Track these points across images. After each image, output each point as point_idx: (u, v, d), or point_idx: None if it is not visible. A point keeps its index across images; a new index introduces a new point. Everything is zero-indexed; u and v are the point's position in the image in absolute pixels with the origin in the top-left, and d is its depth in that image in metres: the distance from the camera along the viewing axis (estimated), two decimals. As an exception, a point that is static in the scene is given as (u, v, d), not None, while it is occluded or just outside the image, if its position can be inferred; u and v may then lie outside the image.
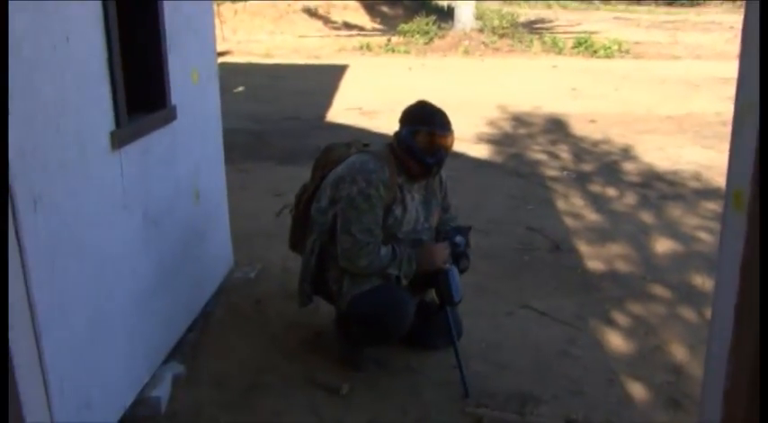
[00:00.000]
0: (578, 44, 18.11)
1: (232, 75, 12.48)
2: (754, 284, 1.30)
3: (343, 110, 10.42)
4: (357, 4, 25.62)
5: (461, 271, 3.54)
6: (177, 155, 3.62)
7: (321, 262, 3.41)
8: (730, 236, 1.42)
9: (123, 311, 2.98)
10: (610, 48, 17.73)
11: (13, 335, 2.12)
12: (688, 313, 4.27)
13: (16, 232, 2.19)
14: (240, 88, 11.57)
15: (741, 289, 1.36)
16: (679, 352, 3.82)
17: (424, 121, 3.34)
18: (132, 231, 3.08)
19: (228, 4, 22.38)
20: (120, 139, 2.92)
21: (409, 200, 3.41)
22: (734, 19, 24.78)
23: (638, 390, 3.46)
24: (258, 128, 9.07)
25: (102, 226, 2.80)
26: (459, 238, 3.52)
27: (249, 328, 3.91)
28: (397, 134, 3.41)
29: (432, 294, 3.64)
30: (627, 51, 17.72)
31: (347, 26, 23.14)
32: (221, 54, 11.91)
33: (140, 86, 3.30)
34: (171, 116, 3.53)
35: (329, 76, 13.55)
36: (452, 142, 3.42)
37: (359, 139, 3.69)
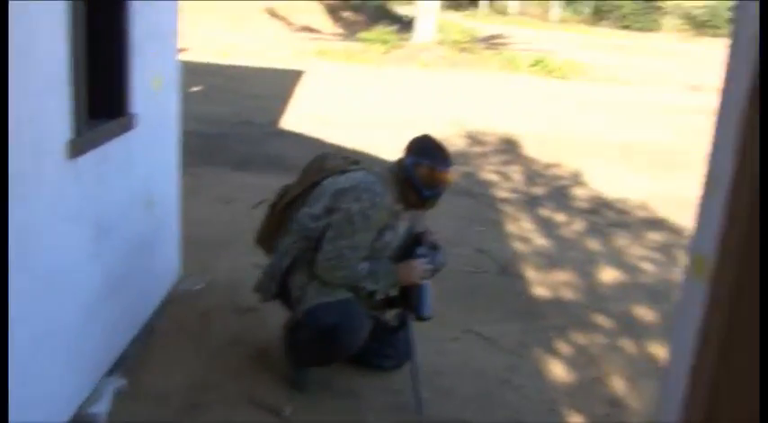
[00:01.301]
0: (535, 63, 18.35)
1: (188, 73, 12.32)
2: (710, 352, 1.34)
3: (299, 117, 10.39)
4: (319, 8, 25.59)
5: (433, 273, 3.58)
6: (133, 163, 3.59)
7: (291, 265, 3.41)
8: (689, 300, 1.45)
9: (67, 323, 2.94)
10: (566, 68, 18.01)
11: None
12: (628, 345, 4.36)
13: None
14: (195, 88, 11.46)
15: (697, 355, 1.39)
16: (618, 384, 3.90)
17: (428, 156, 3.43)
18: (82, 242, 3.04)
19: (189, -1, 22.17)
20: (77, 148, 2.88)
21: (400, 226, 3.48)
22: (685, 48, 25.35)
23: (576, 421, 3.52)
24: (212, 131, 9.00)
25: (52, 236, 2.76)
26: (437, 258, 3.58)
27: (194, 342, 3.87)
28: (399, 162, 3.48)
29: (389, 313, 3.68)
30: (582, 73, 18.00)
31: (307, 29, 23.08)
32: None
33: (101, 93, 3.26)
34: (129, 124, 3.49)
35: (286, 81, 13.50)
36: (452, 179, 3.52)
37: (347, 153, 3.74)
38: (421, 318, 3.50)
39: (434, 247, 3.61)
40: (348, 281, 3.30)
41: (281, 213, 3.60)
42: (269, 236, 3.65)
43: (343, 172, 3.50)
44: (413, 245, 3.57)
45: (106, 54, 3.34)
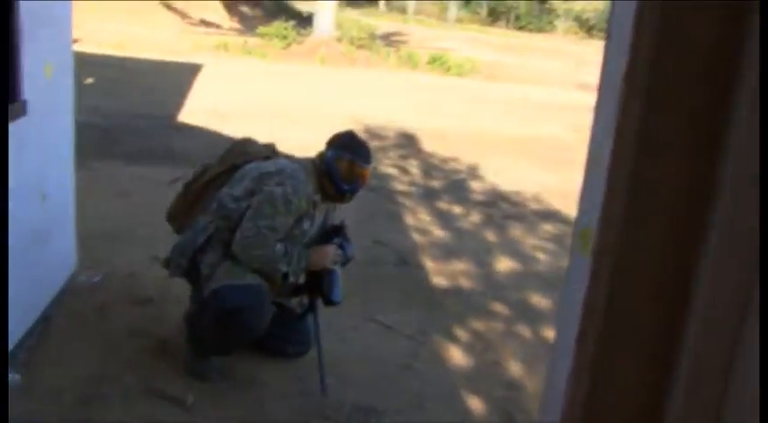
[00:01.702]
0: (433, 60, 18.61)
1: (81, 65, 11.97)
2: (595, 320, 1.41)
3: (196, 111, 10.24)
4: (216, 3, 25.26)
5: (344, 264, 3.65)
6: (25, 152, 3.47)
7: (204, 243, 3.38)
8: (575, 273, 1.52)
9: (-44, 315, 2.83)
10: (463, 66, 18.33)
11: None
12: (524, 330, 4.50)
13: None
14: (90, 80, 11.14)
15: (582, 324, 1.46)
16: (515, 368, 4.02)
17: (350, 150, 3.52)
18: (-29, 232, 2.94)
19: (79, -10, 21.51)
20: (-37, 134, 2.78)
21: (317, 217, 3.54)
22: (578, 49, 26.14)
23: (476, 404, 3.61)
24: (107, 123, 8.78)
25: (-61, 225, 2.66)
26: (349, 249, 3.65)
27: (90, 335, 3.78)
28: (321, 155, 3.55)
29: (294, 301, 3.71)
30: (479, 71, 18.36)
31: (205, 23, 22.76)
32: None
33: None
34: (21, 111, 3.38)
35: (183, 75, 13.28)
36: (368, 177, 3.66)
37: (269, 144, 3.76)
38: (331, 302, 3.55)
39: (347, 239, 3.67)
40: (264, 260, 3.30)
41: (198, 192, 3.61)
42: (182, 213, 3.65)
43: (266, 158, 3.57)
44: (328, 235, 3.64)
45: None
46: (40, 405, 3.15)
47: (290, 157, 3.62)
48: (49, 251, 3.91)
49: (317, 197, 3.50)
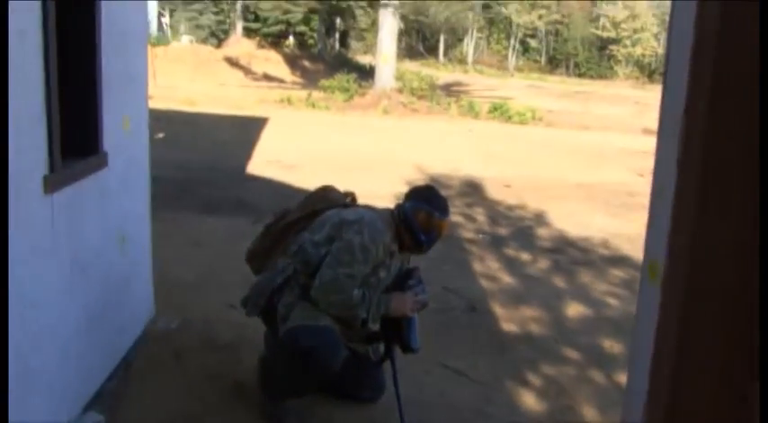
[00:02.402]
0: (494, 109, 18.67)
1: (153, 120, 12.37)
2: (668, 351, 1.41)
3: (264, 162, 10.46)
4: (278, 57, 25.85)
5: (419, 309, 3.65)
6: (107, 201, 3.61)
7: (282, 284, 3.46)
8: (646, 305, 1.53)
9: (44, 358, 2.94)
10: (524, 114, 18.35)
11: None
12: (597, 376, 4.43)
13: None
14: (161, 135, 11.49)
15: (655, 355, 1.46)
16: (589, 413, 3.96)
17: (428, 202, 3.59)
18: (59, 277, 3.05)
19: (150, 47, 22.26)
20: (52, 184, 2.92)
21: (393, 267, 3.58)
22: (638, 94, 25.96)
23: (550, 449, 3.57)
24: (179, 176, 9.02)
25: (30, 270, 2.77)
26: (423, 294, 3.63)
27: (169, 379, 3.86)
28: (399, 206, 3.63)
29: (367, 348, 3.72)
30: (540, 119, 18.36)
31: (268, 78, 23.28)
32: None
33: (73, 131, 3.30)
34: (103, 162, 3.53)
35: (250, 128, 13.59)
36: (448, 228, 3.73)
37: (348, 193, 3.86)
38: (410, 349, 3.58)
39: (421, 282, 3.69)
40: (343, 306, 3.35)
41: (278, 234, 3.70)
42: (261, 254, 3.74)
43: (345, 206, 3.68)
44: (402, 278, 3.66)
45: (78, 92, 3.39)
46: (123, 446, 3.23)
47: (370, 207, 3.69)
48: (129, 298, 4.03)
49: (395, 247, 3.56)
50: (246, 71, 24.11)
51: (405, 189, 9.83)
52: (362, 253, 3.36)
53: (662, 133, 1.51)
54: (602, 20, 41.37)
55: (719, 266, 1.34)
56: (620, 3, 40.78)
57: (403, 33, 38.29)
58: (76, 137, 3.35)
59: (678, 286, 1.39)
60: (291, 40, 38.88)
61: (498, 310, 5.45)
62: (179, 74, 21.85)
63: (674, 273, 1.41)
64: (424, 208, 3.54)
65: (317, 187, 3.90)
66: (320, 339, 3.32)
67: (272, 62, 25.82)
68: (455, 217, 8.34)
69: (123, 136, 3.91)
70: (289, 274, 3.46)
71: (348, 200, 3.79)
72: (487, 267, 6.52)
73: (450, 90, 23.16)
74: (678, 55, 1.41)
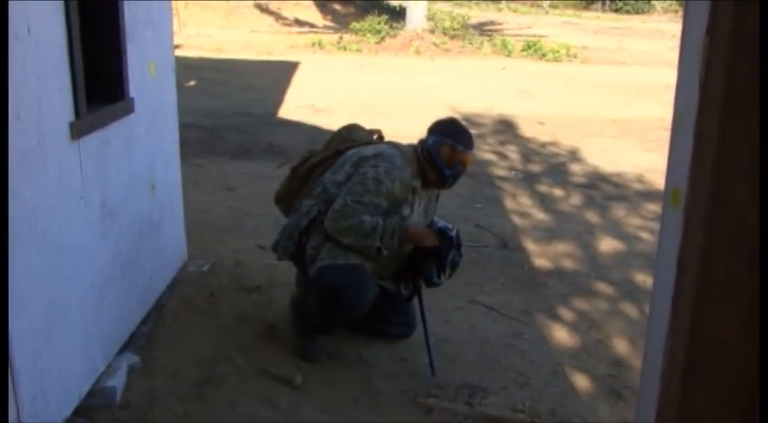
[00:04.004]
0: (527, 47, 18.36)
1: (183, 69, 12.36)
2: (690, 277, 1.40)
3: (295, 107, 10.44)
4: (309, 2, 25.60)
5: (454, 265, 3.60)
6: (134, 147, 3.64)
7: (308, 226, 3.48)
8: (668, 232, 1.52)
9: (80, 301, 3.00)
10: (558, 52, 18.01)
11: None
12: (629, 309, 4.43)
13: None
14: (192, 82, 11.51)
15: (677, 281, 1.46)
16: (620, 345, 3.97)
17: (451, 135, 3.54)
18: (89, 222, 3.10)
19: (179, -3, 22.16)
20: (79, 130, 2.94)
21: (417, 204, 3.56)
22: (677, 28, 25.26)
23: (581, 381, 3.59)
24: (210, 123, 9.05)
25: (60, 215, 2.82)
26: (452, 233, 3.56)
27: (203, 320, 3.94)
28: (422, 142, 3.59)
29: (399, 284, 3.73)
30: (574, 56, 18.02)
31: (299, 23, 23.11)
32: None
33: (99, 78, 3.32)
34: (129, 108, 3.55)
35: (281, 73, 13.54)
36: (473, 161, 3.65)
37: (374, 130, 3.83)
38: (432, 284, 3.58)
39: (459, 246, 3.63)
40: (353, 232, 3.33)
41: (303, 176, 3.72)
42: (288, 196, 3.77)
43: (368, 143, 3.64)
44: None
45: (102, 40, 3.40)
46: (159, 384, 3.31)
47: (392, 143, 3.66)
48: (161, 241, 4.08)
49: (417, 183, 3.53)
50: (277, 17, 23.91)
51: (436, 129, 9.73)
52: (375, 184, 3.35)
53: (683, 56, 1.48)
54: (639, -49, 40.15)
55: (742, 192, 1.32)
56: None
57: (434, -28, 37.60)
58: (102, 83, 3.37)
59: (700, 213, 1.37)
60: (322, -17, 38.38)
61: (530, 246, 5.44)
62: (209, 22, 21.75)
63: (696, 200, 1.39)
64: (447, 142, 3.51)
65: (341, 127, 3.89)
66: (349, 277, 3.35)
67: (303, 7, 25.58)
68: (488, 154, 8.30)
69: (150, 82, 3.92)
70: (314, 215, 3.47)
71: (374, 137, 3.77)
72: (520, 204, 6.50)
73: (483, 29, 22.77)
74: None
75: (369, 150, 3.52)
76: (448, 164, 3.52)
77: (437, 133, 3.57)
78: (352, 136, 3.75)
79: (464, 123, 3.85)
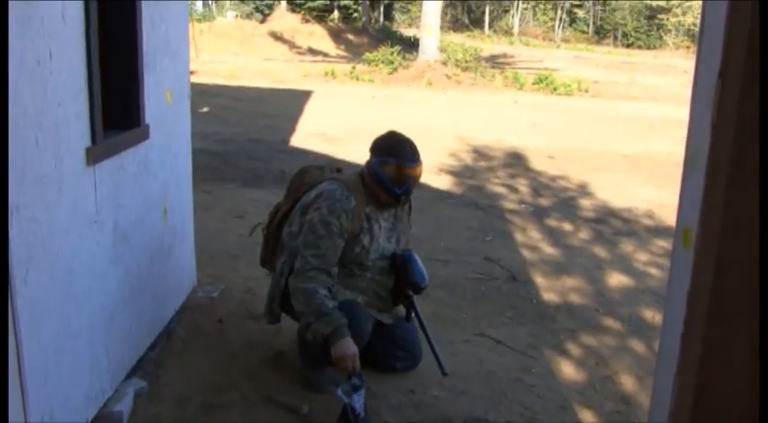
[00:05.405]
0: (539, 81, 18.47)
1: (197, 95, 12.48)
2: (699, 317, 1.41)
3: (307, 135, 10.51)
4: (323, 31, 25.84)
5: (417, 292, 3.65)
6: (148, 172, 3.68)
7: (287, 285, 3.48)
8: (679, 271, 1.53)
9: (89, 325, 3.02)
10: (570, 85, 18.12)
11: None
12: (638, 345, 4.41)
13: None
14: (205, 109, 11.60)
15: (687, 321, 1.46)
16: (628, 382, 3.95)
17: (393, 153, 3.47)
18: (102, 246, 3.13)
19: (194, 23, 22.41)
20: (95, 156, 2.98)
21: (377, 229, 3.52)
22: (688, 64, 25.41)
23: (588, 417, 3.57)
24: (222, 149, 9.12)
25: (74, 239, 2.85)
26: (421, 278, 3.59)
27: (211, 346, 3.95)
28: (367, 164, 3.54)
29: (396, 313, 3.75)
30: (586, 90, 18.12)
31: (312, 52, 23.32)
32: (187, 74, 11.94)
33: (116, 104, 3.36)
34: (144, 135, 3.59)
35: (293, 101, 13.65)
36: (420, 172, 3.56)
37: (332, 163, 3.80)
38: (420, 288, 3.58)
39: (413, 270, 3.59)
40: (306, 298, 3.26)
41: (274, 233, 3.71)
42: (269, 258, 3.77)
43: (320, 183, 3.56)
44: (395, 266, 3.59)
45: (120, 67, 3.45)
46: (165, 410, 3.31)
47: (333, 178, 3.57)
48: (171, 266, 4.11)
49: (368, 209, 3.48)
50: (291, 45, 24.16)
51: (448, 161, 9.84)
52: (324, 227, 3.31)
53: (695, 98, 1.50)
54: (652, -12, 40.56)
55: (752, 233, 1.33)
56: (669, -30, 39.91)
57: (448, 5, 38.01)
58: (119, 110, 3.41)
59: (710, 253, 1.38)
60: (336, 13, 38.84)
61: (539, 279, 5.44)
62: (224, 49, 21.98)
63: (706, 240, 1.40)
64: (391, 161, 3.44)
65: (295, 174, 3.83)
66: (345, 313, 3.35)
67: (317, 36, 25.82)
68: (498, 187, 8.33)
69: (165, 109, 3.97)
70: (287, 273, 3.45)
71: (332, 173, 3.69)
72: (529, 238, 6.50)
73: (495, 62, 22.95)
74: (713, 16, 1.39)
75: (311, 194, 3.48)
76: (396, 182, 3.44)
77: (378, 153, 3.50)
78: (305, 180, 3.69)
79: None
